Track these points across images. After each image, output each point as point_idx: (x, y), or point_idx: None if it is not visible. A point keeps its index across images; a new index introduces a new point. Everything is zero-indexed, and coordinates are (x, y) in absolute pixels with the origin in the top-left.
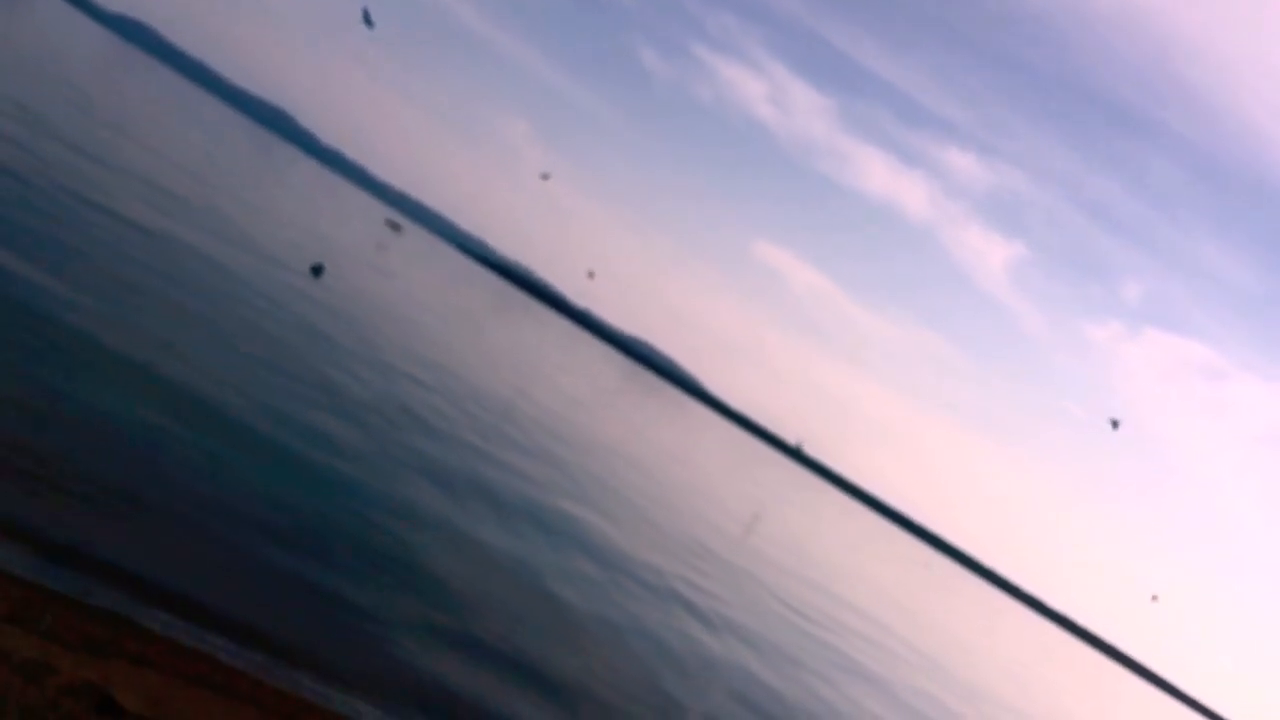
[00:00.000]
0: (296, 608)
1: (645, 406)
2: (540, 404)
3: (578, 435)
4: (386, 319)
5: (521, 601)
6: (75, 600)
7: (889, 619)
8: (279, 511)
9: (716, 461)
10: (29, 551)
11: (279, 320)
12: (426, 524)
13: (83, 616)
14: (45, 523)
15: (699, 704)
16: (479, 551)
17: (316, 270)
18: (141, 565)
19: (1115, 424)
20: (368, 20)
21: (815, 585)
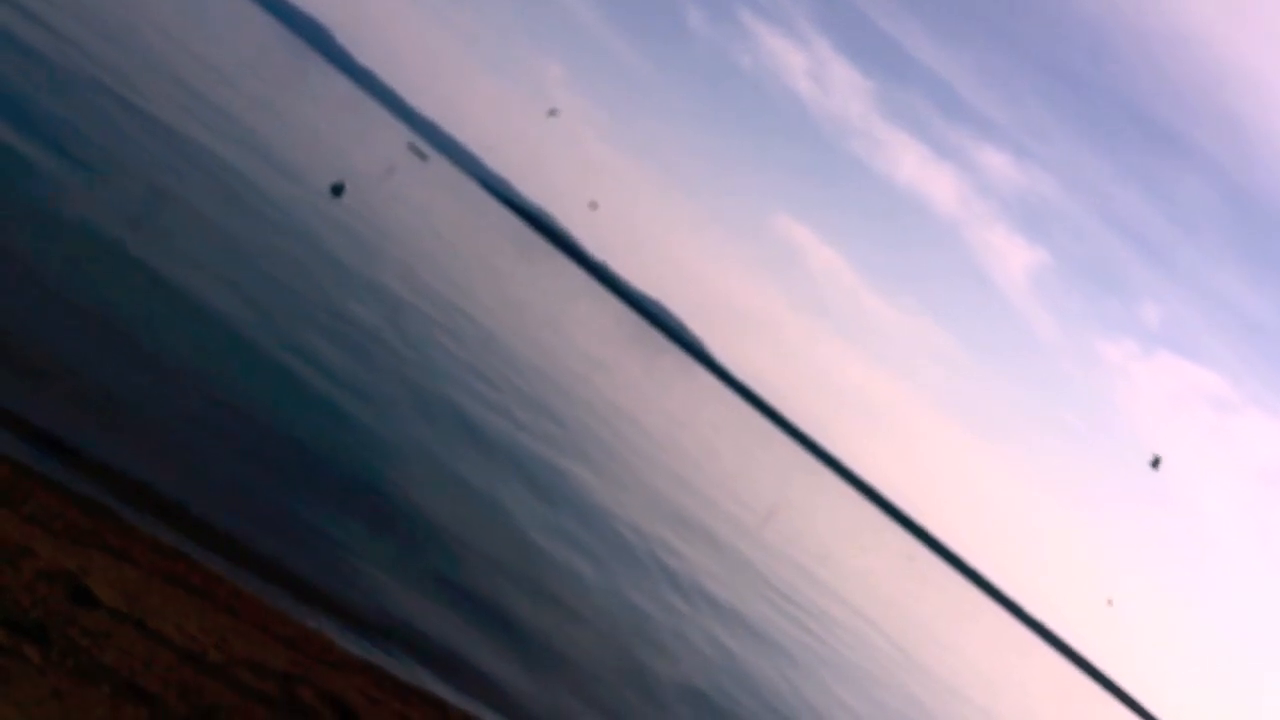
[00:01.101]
0: (278, 527)
1: (650, 367)
2: (545, 352)
3: (579, 388)
4: (400, 247)
5: (498, 548)
6: (61, 487)
7: (862, 603)
8: (270, 431)
9: (715, 431)
10: (20, 436)
11: (292, 236)
12: (413, 460)
13: (67, 505)
14: (39, 413)
15: (659, 667)
16: (463, 493)
17: (337, 190)
18: (130, 465)
19: (1156, 462)
20: None
21: (796, 563)
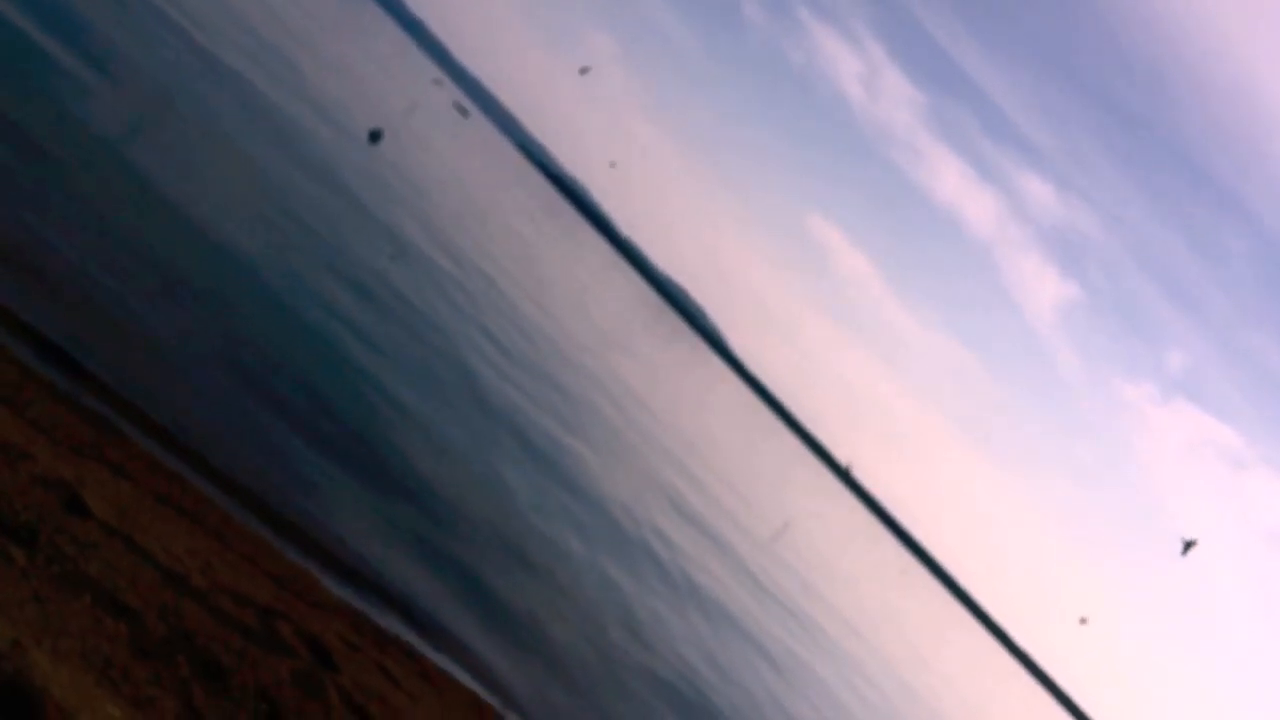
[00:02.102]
0: (277, 465)
1: (665, 351)
2: (561, 323)
3: (591, 364)
4: (428, 201)
5: (489, 515)
6: (68, 397)
7: (849, 611)
8: (277, 370)
9: (722, 423)
10: (33, 344)
11: (323, 178)
12: (415, 415)
13: (71, 414)
14: (54, 325)
15: (634, 651)
16: (461, 455)
17: (375, 136)
18: (137, 386)
19: (1188, 546)
20: None
21: (787, 565)
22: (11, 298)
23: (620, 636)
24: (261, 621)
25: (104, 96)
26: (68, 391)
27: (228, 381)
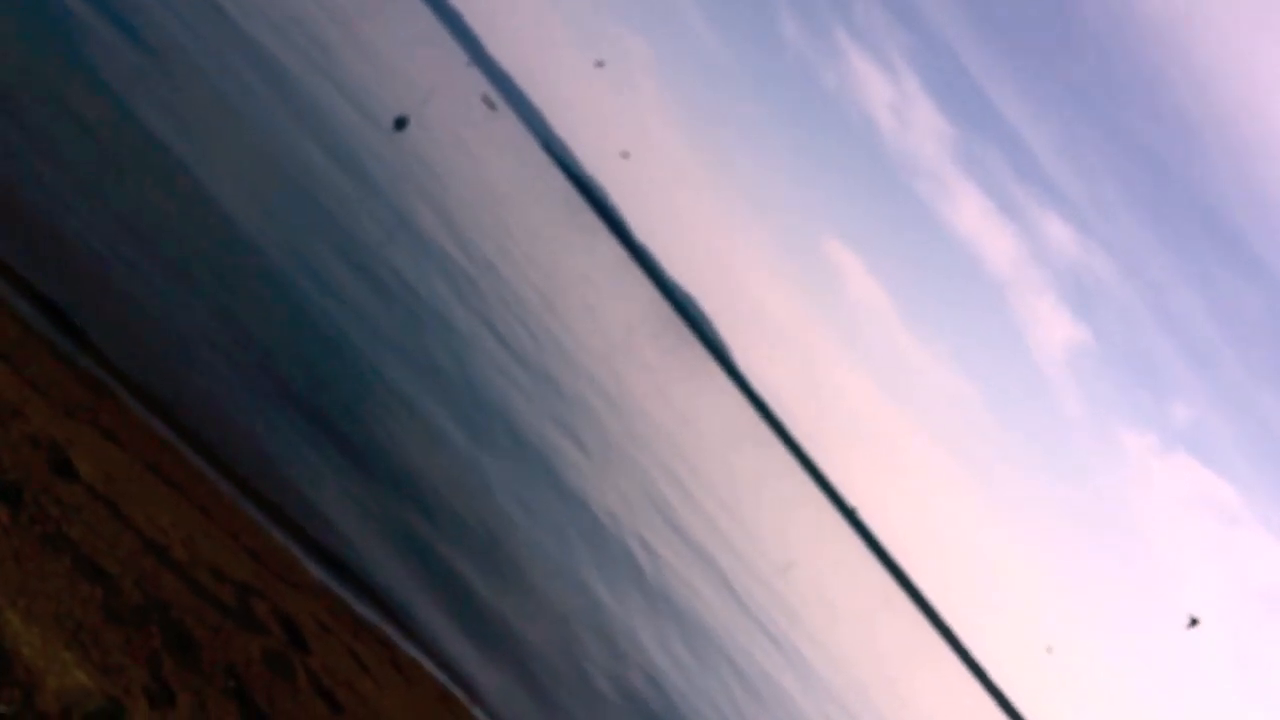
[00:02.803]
0: (268, 445)
1: (669, 359)
2: (566, 323)
3: (592, 366)
4: (448, 194)
5: (472, 509)
6: (67, 359)
7: (828, 638)
8: (278, 349)
9: (719, 437)
10: (36, 304)
11: (343, 162)
12: (411, 404)
13: (69, 376)
14: (57, 288)
15: (601, 658)
16: (449, 447)
17: (400, 123)
18: (137, 355)
19: (1194, 623)
20: None
21: (765, 580)
22: (18, 257)
23: (593, 643)
24: (238, 598)
25: (127, 61)
26: (67, 353)
27: (227, 358)
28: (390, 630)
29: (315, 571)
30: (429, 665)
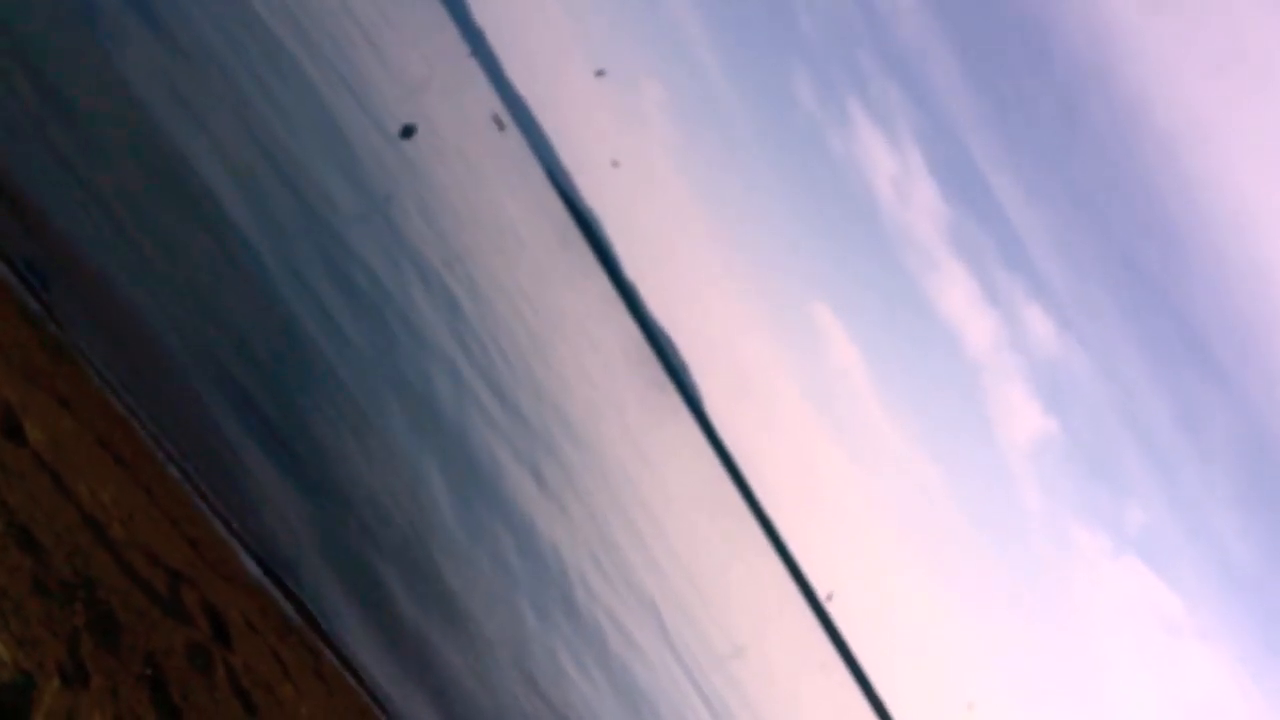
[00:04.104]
0: (224, 439)
1: (641, 403)
2: (542, 354)
3: (560, 400)
4: (443, 207)
5: (413, 529)
6: (35, 321)
7: (760, 699)
8: (250, 348)
9: (679, 485)
10: (10, 265)
11: (344, 164)
12: (368, 418)
13: (33, 340)
14: (36, 251)
15: (522, 697)
16: (403, 464)
17: (407, 131)
18: (107, 328)
19: None
20: None
21: (705, 639)
22: (3, 215)
23: (515, 681)
24: (169, 585)
25: (136, 42)
26: (36, 316)
27: (194, 347)
28: (317, 640)
29: (252, 569)
30: (351, 680)
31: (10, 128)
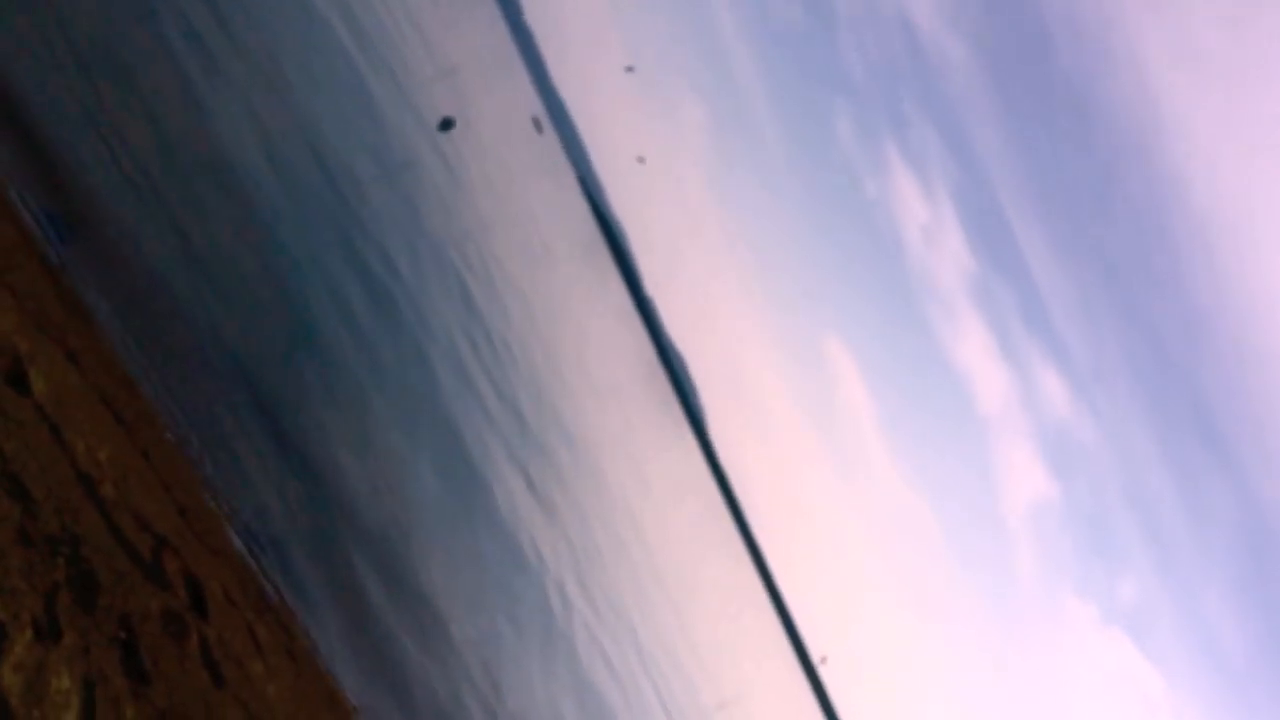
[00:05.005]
0: (229, 411)
1: (646, 421)
2: (552, 361)
3: (563, 409)
4: (470, 204)
5: (398, 521)
6: (53, 272)
7: None
8: (263, 329)
9: (675, 509)
10: (40, 213)
11: (375, 147)
12: (372, 409)
13: (50, 289)
14: (66, 205)
15: (490, 704)
16: (392, 454)
17: (446, 124)
18: (127, 286)
19: None
20: None
21: (681, 665)
22: (34, 166)
23: (481, 687)
24: (153, 550)
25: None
26: (56, 266)
27: (210, 319)
28: (294, 620)
29: (236, 543)
30: (322, 664)
31: (46, 81)
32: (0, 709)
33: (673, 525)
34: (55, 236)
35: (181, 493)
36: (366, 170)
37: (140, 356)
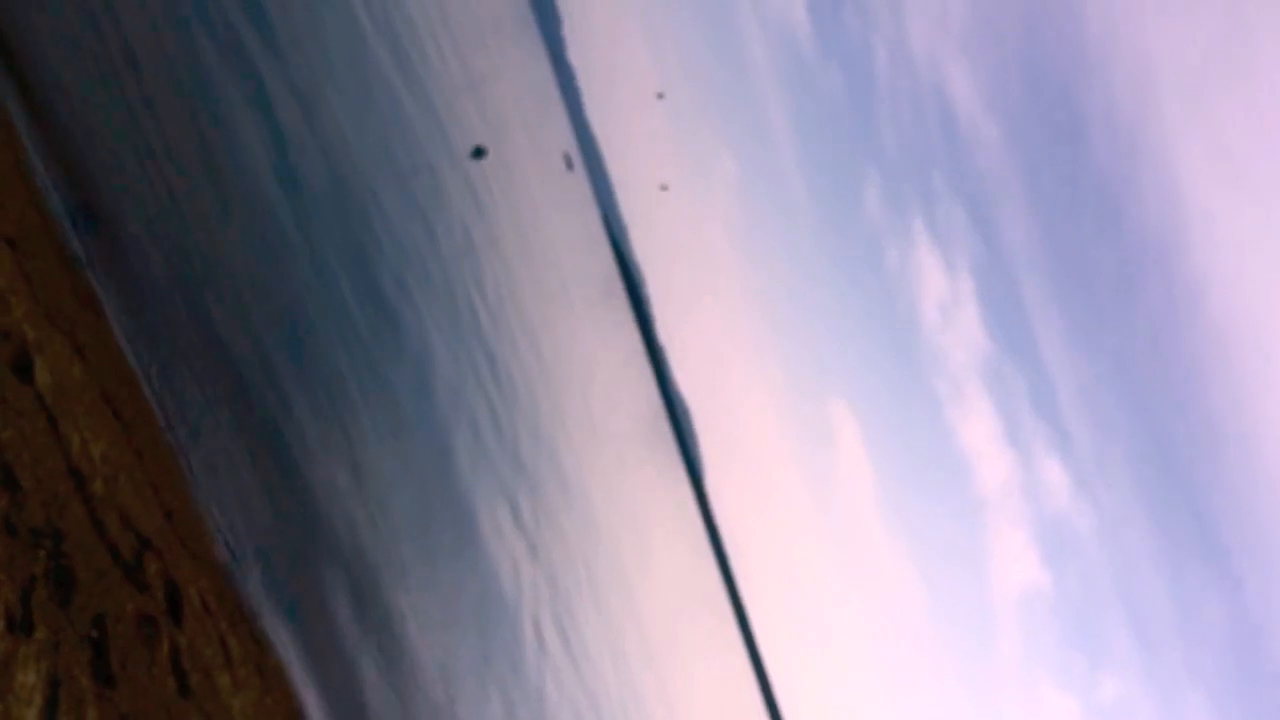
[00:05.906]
0: (226, 409)
1: (643, 469)
2: (555, 398)
3: (561, 447)
4: (491, 234)
5: (376, 541)
6: (71, 262)
7: None
8: (271, 340)
9: (662, 561)
10: (68, 202)
11: (400, 165)
12: (365, 428)
13: (65, 280)
14: (94, 196)
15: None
16: (378, 472)
17: (479, 152)
18: (142, 282)
19: None
20: None
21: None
22: (67, 159)
23: (442, 705)
24: (135, 551)
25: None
26: (74, 256)
27: (221, 324)
28: (267, 635)
29: (220, 552)
30: (292, 682)
31: (91, 74)
32: None
33: (658, 574)
34: (77, 229)
35: (170, 495)
36: (391, 190)
37: (146, 357)
